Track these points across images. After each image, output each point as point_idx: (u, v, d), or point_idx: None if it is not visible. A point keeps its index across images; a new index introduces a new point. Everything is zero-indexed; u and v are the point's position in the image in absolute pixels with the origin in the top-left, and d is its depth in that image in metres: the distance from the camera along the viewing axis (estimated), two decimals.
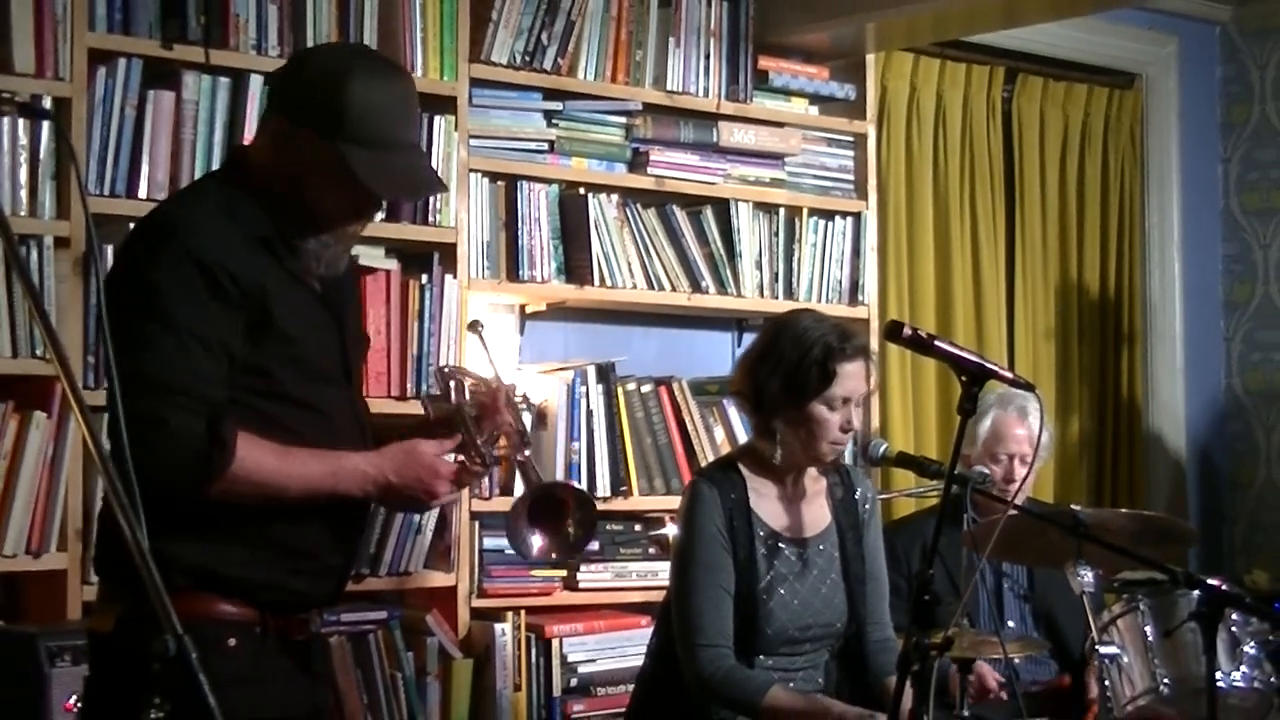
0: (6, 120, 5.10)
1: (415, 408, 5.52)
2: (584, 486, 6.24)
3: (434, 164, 5.70)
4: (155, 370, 3.62)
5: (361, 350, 4.25)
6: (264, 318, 3.77)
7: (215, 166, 5.40)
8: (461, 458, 4.12)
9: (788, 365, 4.91)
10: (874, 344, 6.75)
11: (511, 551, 5.95)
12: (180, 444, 3.61)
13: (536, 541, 4.32)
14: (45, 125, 5.13)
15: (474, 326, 4.80)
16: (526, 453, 4.38)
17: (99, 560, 3.97)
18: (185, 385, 3.64)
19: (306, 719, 4.01)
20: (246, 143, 4.10)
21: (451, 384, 4.40)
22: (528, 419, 6.17)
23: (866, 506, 5.20)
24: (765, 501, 5.02)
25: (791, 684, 4.94)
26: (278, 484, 3.75)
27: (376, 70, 3.91)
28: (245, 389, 3.77)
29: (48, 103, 5.14)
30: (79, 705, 4.48)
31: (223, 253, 3.72)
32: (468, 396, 4.30)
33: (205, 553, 3.73)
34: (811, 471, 5.08)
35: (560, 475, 6.21)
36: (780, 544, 4.99)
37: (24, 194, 5.16)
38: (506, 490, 6.01)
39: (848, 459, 5.59)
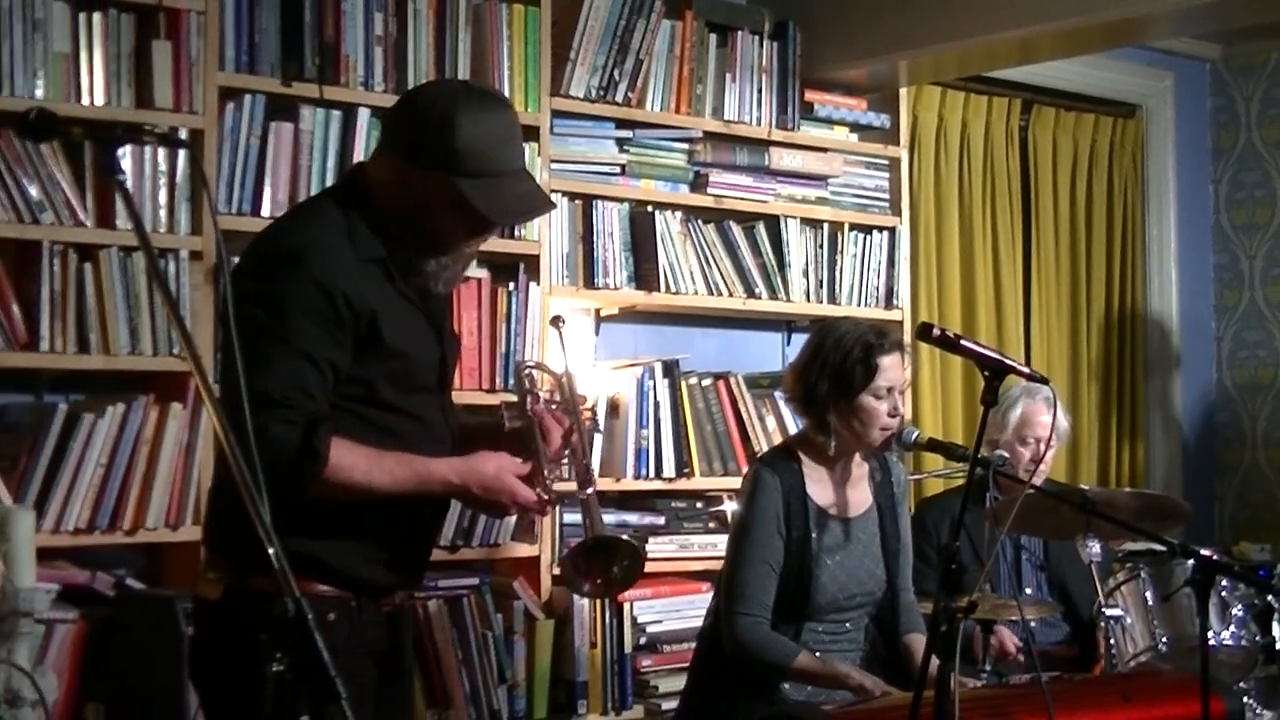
0: (148, 149, 5.12)
1: (502, 398, 5.51)
2: (652, 469, 6.25)
3: None
4: (264, 385, 3.56)
5: (455, 356, 4.19)
6: (373, 336, 3.73)
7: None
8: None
9: (834, 366, 4.90)
10: (906, 342, 6.73)
11: None
12: (279, 452, 3.55)
13: (586, 587, 4.26)
14: (181, 154, 5.13)
15: (555, 322, 4.74)
16: (589, 491, 4.24)
17: (209, 535, 3.94)
18: (289, 399, 3.61)
19: (392, 683, 3.99)
20: (361, 164, 4.01)
21: (527, 384, 4.33)
22: (601, 408, 6.17)
23: (899, 489, 5.22)
24: (818, 485, 5.01)
25: (837, 647, 4.95)
26: (367, 486, 3.71)
27: (481, 105, 3.82)
28: (349, 397, 3.74)
29: (184, 134, 5.13)
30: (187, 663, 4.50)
31: (342, 278, 3.68)
32: (541, 405, 4.18)
33: (307, 542, 3.66)
34: (856, 457, 5.07)
35: (630, 459, 6.23)
36: (830, 522, 4.99)
37: (163, 213, 5.17)
38: (581, 486, 5.98)
39: None
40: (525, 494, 3.91)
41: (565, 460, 4.19)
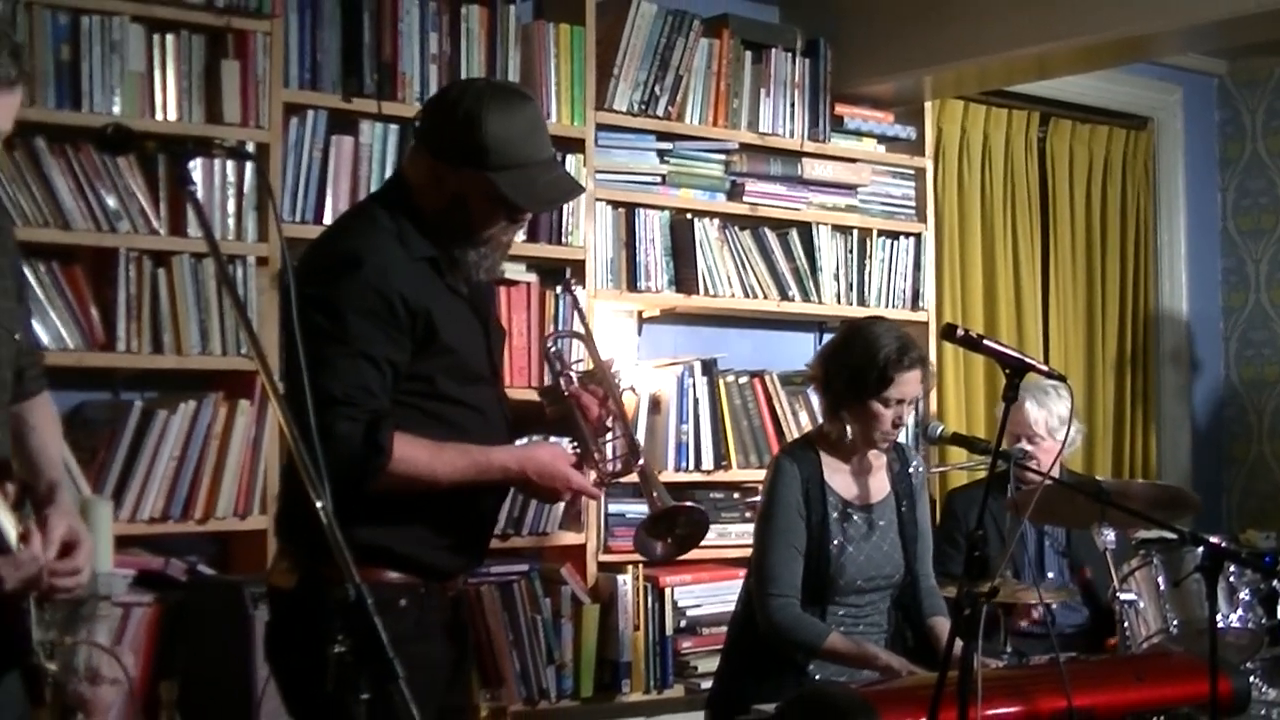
0: (218, 162, 5.12)
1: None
2: (692, 462, 6.25)
3: None
4: (328, 385, 3.59)
5: (501, 346, 4.18)
6: (430, 333, 3.73)
7: None
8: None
9: (854, 365, 4.89)
10: (932, 342, 6.73)
11: (632, 515, 5.98)
12: (345, 449, 3.58)
13: (659, 549, 4.24)
14: (248, 166, 5.14)
15: (575, 305, 4.73)
16: (641, 461, 4.24)
17: (281, 526, 3.94)
18: (351, 398, 3.62)
19: (456, 663, 4.00)
20: (401, 170, 4.02)
21: (558, 365, 4.33)
22: (644, 400, 6.16)
23: (917, 479, 5.20)
24: (837, 475, 5.01)
25: (860, 626, 4.94)
26: (430, 477, 3.72)
27: (505, 100, 3.83)
28: (411, 393, 3.75)
29: (251, 147, 5.14)
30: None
31: (397, 280, 3.69)
32: (575, 384, 4.19)
33: (375, 532, 3.69)
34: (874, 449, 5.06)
35: (671, 453, 6.23)
36: (850, 510, 4.99)
37: (231, 222, 5.18)
38: (627, 465, 5.97)
39: (904, 438, 5.50)
40: (579, 480, 3.92)
41: (611, 429, 4.20)
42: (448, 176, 3.80)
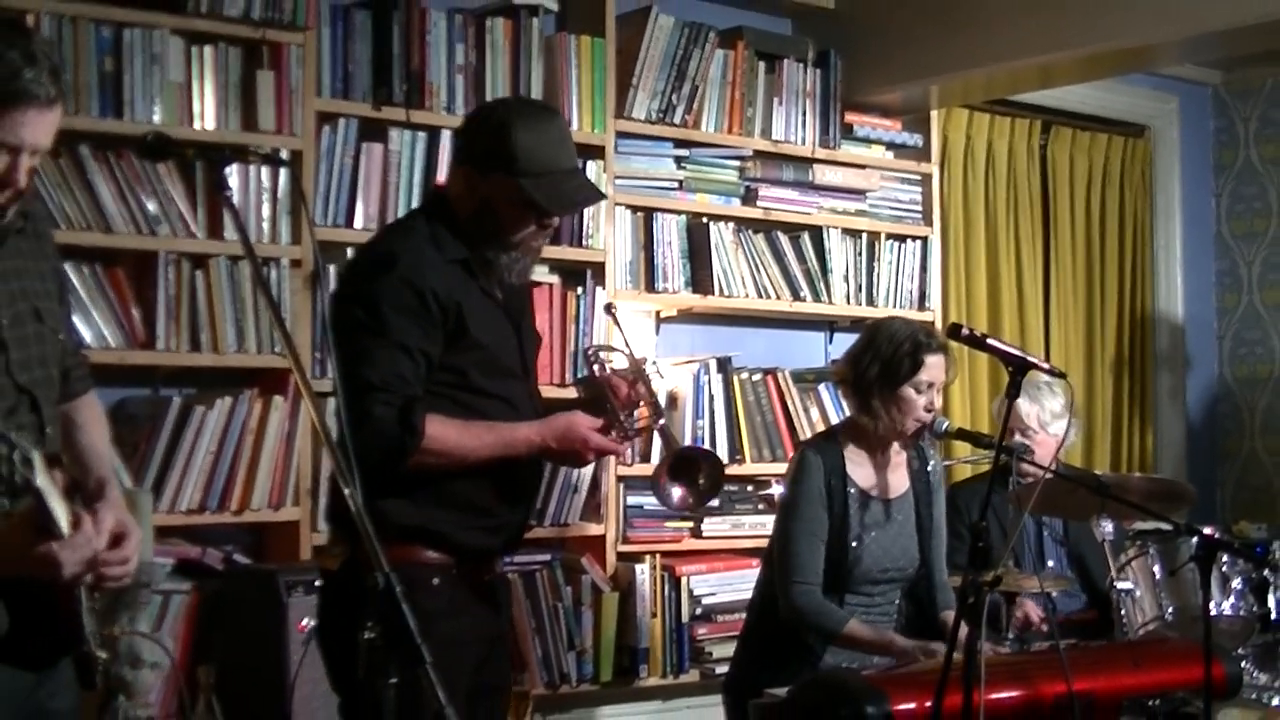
0: (253, 168, 5.13)
1: (572, 392, 5.51)
2: None
3: None
4: (366, 374, 3.71)
5: (535, 348, 4.23)
6: (460, 328, 3.83)
7: (414, 204, 5.47)
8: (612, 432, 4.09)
9: (884, 356, 4.91)
10: (947, 342, 6.70)
11: (650, 507, 5.99)
12: (380, 431, 3.69)
13: (676, 493, 4.28)
14: (283, 171, 5.14)
15: (609, 309, 4.77)
16: (662, 421, 4.34)
17: (328, 512, 4.01)
18: (387, 384, 3.73)
19: (491, 643, 4.03)
20: (442, 183, 4.10)
21: (595, 366, 4.40)
22: (662, 394, 6.16)
23: (934, 476, 5.19)
24: (858, 468, 5.00)
25: (869, 617, 4.93)
26: (460, 453, 3.80)
27: (533, 114, 3.98)
28: (446, 384, 3.85)
29: (285, 154, 5.15)
30: (312, 626, 4.52)
31: (430, 277, 3.79)
32: (608, 372, 4.28)
33: (412, 511, 3.80)
34: (895, 446, 5.05)
35: None
36: (869, 502, 4.97)
37: (266, 225, 5.18)
38: (645, 458, 5.99)
39: None
40: (599, 440, 3.99)
41: (637, 404, 4.24)
42: (479, 182, 3.91)
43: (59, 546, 2.92)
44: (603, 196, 4.48)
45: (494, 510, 3.94)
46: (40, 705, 3.17)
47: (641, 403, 4.24)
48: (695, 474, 4.28)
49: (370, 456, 3.60)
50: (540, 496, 5.61)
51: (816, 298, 6.64)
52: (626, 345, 4.55)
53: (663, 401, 6.07)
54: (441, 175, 5.51)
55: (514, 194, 3.87)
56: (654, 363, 4.37)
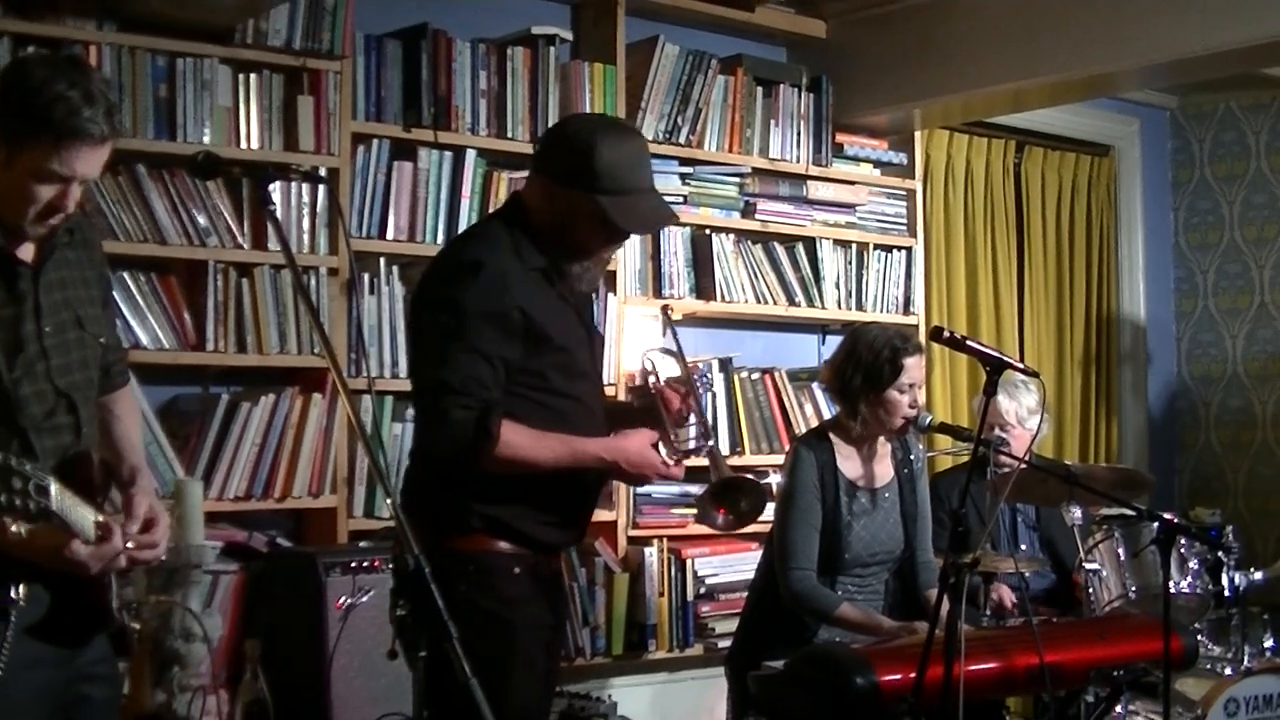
0: (294, 185, 5.13)
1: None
2: None
3: None
4: (445, 377, 3.62)
5: (601, 349, 4.17)
6: (540, 334, 3.72)
7: (442, 217, 5.48)
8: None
9: (866, 364, 4.90)
10: (921, 342, 6.69)
11: (658, 495, 5.98)
12: (457, 432, 3.60)
13: (720, 517, 4.19)
14: (321, 188, 5.14)
15: (665, 310, 4.71)
16: (710, 443, 4.23)
17: (406, 501, 3.90)
18: (466, 388, 3.62)
19: (555, 627, 3.97)
20: (520, 190, 3.98)
21: (648, 367, 4.32)
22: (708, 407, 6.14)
23: (918, 465, 5.19)
24: (847, 461, 5.00)
25: (860, 596, 4.93)
26: (532, 461, 3.70)
27: (617, 133, 3.83)
28: (524, 385, 3.73)
29: (323, 172, 5.15)
30: (348, 604, 4.61)
31: (513, 287, 3.68)
32: (661, 383, 4.18)
33: (492, 508, 3.71)
34: (880, 438, 5.04)
35: (692, 441, 6.17)
36: (858, 491, 4.97)
37: (305, 237, 5.18)
38: (699, 447, 5.95)
39: None
40: (664, 469, 3.89)
41: (689, 421, 4.16)
42: (560, 196, 3.77)
43: (86, 552, 3.00)
44: (676, 218, 4.31)
45: (562, 507, 3.85)
46: (78, 694, 3.20)
47: (691, 416, 4.16)
48: (738, 498, 4.17)
49: (445, 456, 3.62)
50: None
51: (810, 303, 6.62)
52: (679, 350, 4.47)
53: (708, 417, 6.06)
54: (467, 191, 5.56)
55: (592, 211, 3.73)
56: (704, 375, 4.25)
